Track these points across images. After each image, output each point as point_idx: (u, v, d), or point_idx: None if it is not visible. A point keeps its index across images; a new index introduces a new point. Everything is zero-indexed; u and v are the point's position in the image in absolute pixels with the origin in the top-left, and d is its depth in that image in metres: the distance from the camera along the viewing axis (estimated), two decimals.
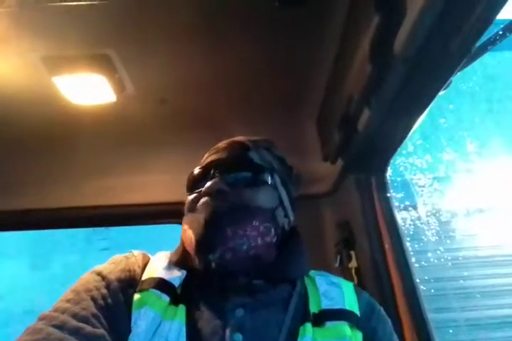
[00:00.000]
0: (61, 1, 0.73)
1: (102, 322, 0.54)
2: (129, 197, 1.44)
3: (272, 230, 0.63)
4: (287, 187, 0.70)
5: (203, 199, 0.63)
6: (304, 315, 0.59)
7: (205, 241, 0.59)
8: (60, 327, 0.51)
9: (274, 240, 0.63)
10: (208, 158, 0.70)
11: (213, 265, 0.58)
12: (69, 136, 1.16)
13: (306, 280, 0.66)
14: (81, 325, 0.52)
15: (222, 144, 0.72)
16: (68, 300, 0.56)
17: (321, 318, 0.59)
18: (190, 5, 0.77)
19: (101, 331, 0.52)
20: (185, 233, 0.64)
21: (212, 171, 0.66)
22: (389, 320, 0.65)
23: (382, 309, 0.66)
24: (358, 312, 0.61)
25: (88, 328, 0.51)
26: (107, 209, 1.46)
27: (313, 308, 0.60)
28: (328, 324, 0.58)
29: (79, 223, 1.62)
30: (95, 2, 0.74)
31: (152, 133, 1.18)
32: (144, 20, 0.80)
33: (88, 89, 0.98)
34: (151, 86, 1.00)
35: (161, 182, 1.31)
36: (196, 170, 0.69)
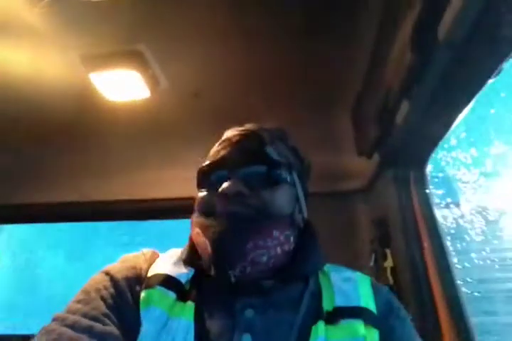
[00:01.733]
0: None
1: (113, 321, 0.54)
2: (159, 192, 1.47)
3: (291, 238, 0.61)
4: (303, 181, 0.68)
5: (221, 203, 0.59)
6: (316, 314, 0.57)
7: (225, 256, 0.56)
8: (72, 326, 0.52)
9: (292, 247, 0.61)
10: (219, 151, 0.65)
11: (233, 279, 0.56)
12: (103, 131, 1.19)
13: (320, 276, 0.64)
14: (92, 323, 0.52)
15: (233, 135, 0.66)
16: (79, 301, 0.57)
17: (335, 316, 0.56)
18: (222, 3, 0.76)
19: (112, 328, 0.53)
20: (198, 237, 0.60)
21: (224, 167, 0.62)
22: (408, 318, 0.62)
23: (402, 306, 0.63)
24: (374, 310, 0.58)
25: (100, 326, 0.52)
26: (138, 203, 1.51)
27: (326, 306, 0.58)
28: (343, 322, 0.56)
29: (111, 216, 1.68)
30: None
31: (184, 128, 1.18)
32: (173, 16, 0.80)
33: (123, 85, 0.99)
34: (184, 81, 1.00)
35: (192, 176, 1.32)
36: (206, 164, 0.64)
